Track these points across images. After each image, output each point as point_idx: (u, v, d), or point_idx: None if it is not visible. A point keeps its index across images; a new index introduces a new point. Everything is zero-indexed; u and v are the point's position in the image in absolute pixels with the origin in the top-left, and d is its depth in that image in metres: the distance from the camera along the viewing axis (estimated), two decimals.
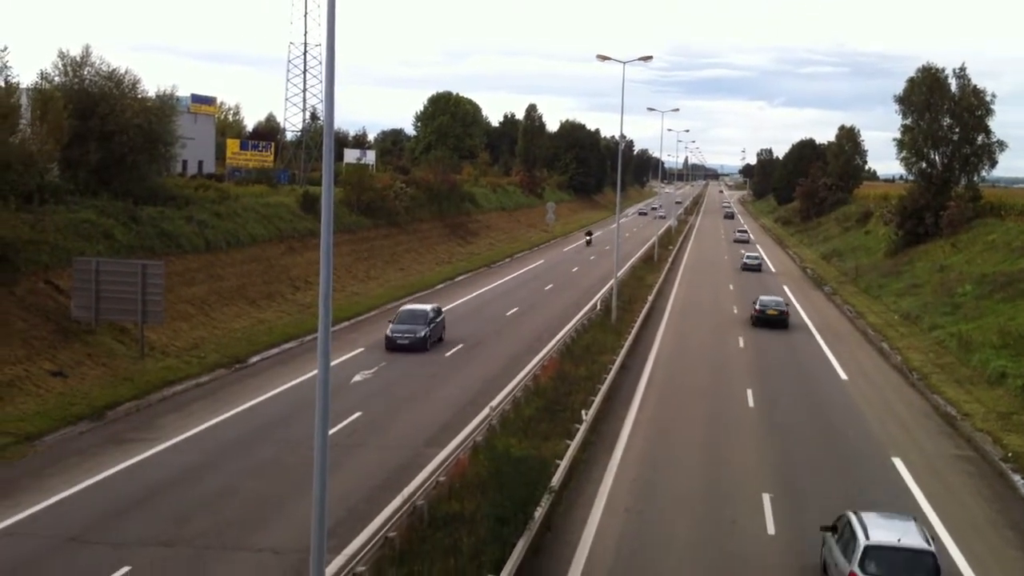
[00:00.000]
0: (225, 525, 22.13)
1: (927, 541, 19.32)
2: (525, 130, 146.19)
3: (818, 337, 50.98)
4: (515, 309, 55.26)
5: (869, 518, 20.04)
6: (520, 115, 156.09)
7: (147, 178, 48.21)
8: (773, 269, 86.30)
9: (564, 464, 25.45)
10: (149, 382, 34.26)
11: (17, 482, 24.42)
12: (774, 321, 52.81)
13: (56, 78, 46.14)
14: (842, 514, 20.74)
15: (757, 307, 53.86)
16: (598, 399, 32.88)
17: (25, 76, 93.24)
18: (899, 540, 19.02)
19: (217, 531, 21.76)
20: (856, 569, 18.46)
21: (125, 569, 19.53)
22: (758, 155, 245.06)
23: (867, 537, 18.94)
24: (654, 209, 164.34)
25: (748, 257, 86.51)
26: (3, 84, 42.30)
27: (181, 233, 47.35)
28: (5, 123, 39.96)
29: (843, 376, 41.54)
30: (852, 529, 19.47)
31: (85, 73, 46.64)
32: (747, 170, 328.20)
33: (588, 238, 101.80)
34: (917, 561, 18.70)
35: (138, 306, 35.91)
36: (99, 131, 45.35)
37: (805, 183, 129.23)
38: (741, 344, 47.72)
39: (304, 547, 17.33)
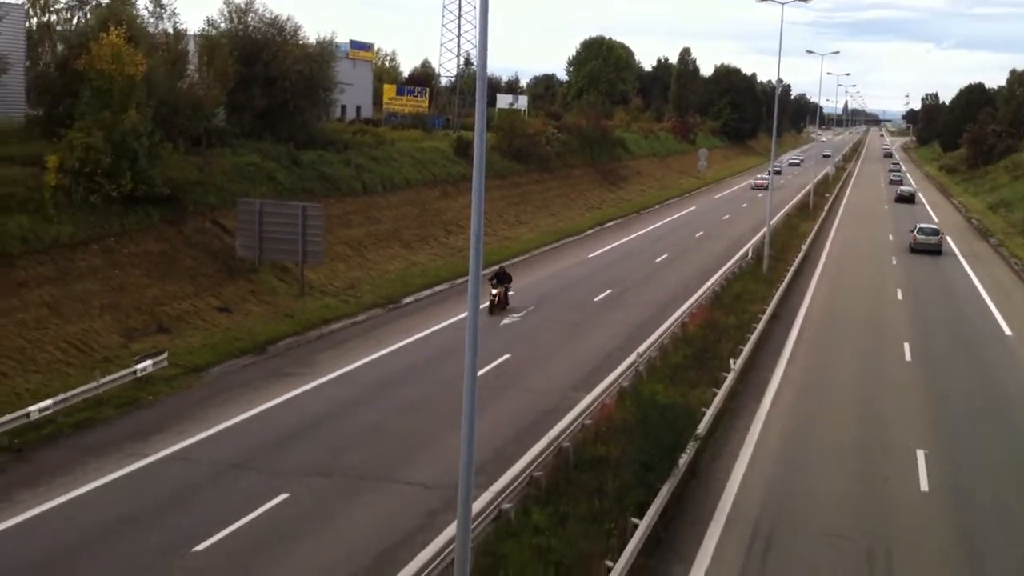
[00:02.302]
0: (377, 458, 22.95)
1: None
2: (678, 75, 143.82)
3: (982, 292, 48.95)
4: (664, 256, 54.88)
5: None
6: (674, 59, 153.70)
7: (308, 123, 49.62)
8: (936, 219, 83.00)
9: (711, 412, 25.36)
10: (308, 319, 35.61)
11: (185, 411, 25.84)
12: (929, 248, 61.22)
13: (222, 25, 47.83)
14: None
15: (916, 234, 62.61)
16: (747, 348, 32.51)
17: (192, 23, 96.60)
18: None
19: (370, 463, 22.59)
20: None
21: (284, 496, 20.52)
22: (923, 100, 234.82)
23: None
24: (794, 165, 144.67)
25: (901, 189, 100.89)
26: (171, 31, 44.15)
27: (340, 176, 48.69)
28: (174, 69, 41.76)
29: (1008, 333, 39.87)
30: None
31: (249, 20, 48.16)
32: (911, 116, 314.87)
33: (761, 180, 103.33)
34: None
35: (299, 246, 37.20)
36: (263, 77, 46.82)
37: (972, 129, 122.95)
38: (899, 296, 46.27)
39: (452, 483, 17.81)
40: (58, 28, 41.54)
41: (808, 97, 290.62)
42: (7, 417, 22.76)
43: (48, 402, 23.87)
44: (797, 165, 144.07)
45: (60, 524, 18.96)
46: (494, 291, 37.99)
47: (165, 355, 28.49)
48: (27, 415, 23.08)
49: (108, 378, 26.03)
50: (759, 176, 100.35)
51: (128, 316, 31.35)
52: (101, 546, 18.14)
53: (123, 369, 27.07)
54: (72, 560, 17.60)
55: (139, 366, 27.17)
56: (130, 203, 34.85)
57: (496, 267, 40.35)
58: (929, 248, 61.13)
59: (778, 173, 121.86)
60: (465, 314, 13.64)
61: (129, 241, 34.43)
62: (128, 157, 34.35)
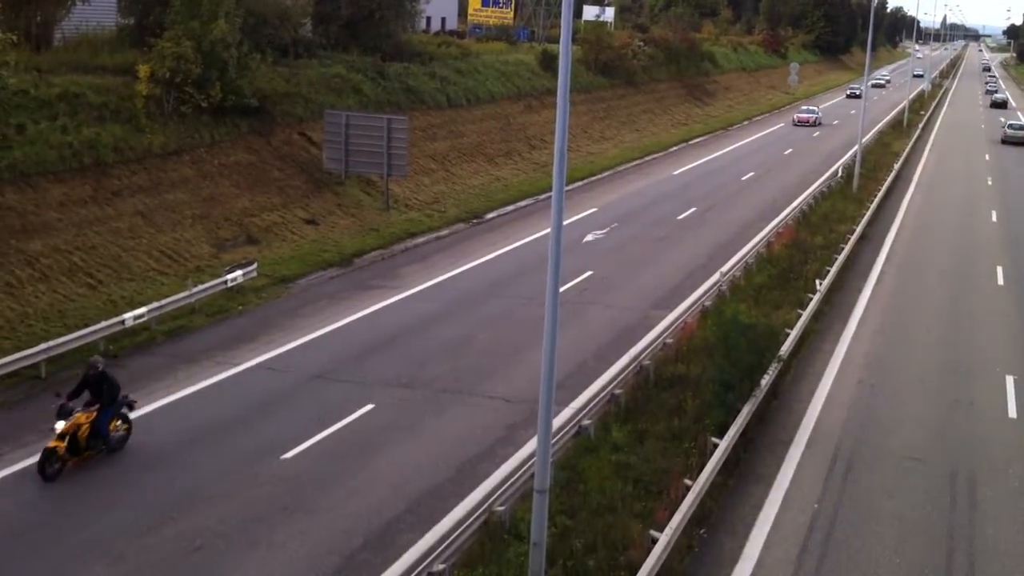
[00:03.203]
0: (460, 372, 23.29)
1: None
2: None
3: None
4: (751, 174, 53.98)
5: None
6: None
7: (393, 34, 49.49)
8: None
9: (795, 333, 25.13)
10: (393, 233, 35.96)
11: (273, 321, 26.44)
12: (1018, 141, 72.99)
13: None
14: None
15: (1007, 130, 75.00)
16: (834, 269, 32.02)
17: None
18: None
19: (453, 377, 22.94)
20: None
21: (369, 406, 20.99)
22: None
23: None
24: (878, 86, 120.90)
25: (996, 96, 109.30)
26: None
27: (424, 89, 48.60)
28: None
29: None
30: None
31: None
32: (1012, 31, 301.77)
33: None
34: None
35: (384, 159, 37.40)
36: None
37: None
38: (994, 218, 44.98)
39: (533, 398, 18.06)
40: None
41: (905, 11, 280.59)
42: (103, 324, 23.54)
43: (142, 310, 24.61)
44: (882, 87, 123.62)
45: (155, 429, 19.65)
46: (60, 426, 17.87)
47: (254, 265, 29.09)
48: (122, 322, 23.85)
49: (199, 287, 26.71)
50: (803, 108, 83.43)
51: (218, 226, 32.01)
52: (193, 453, 18.80)
53: (214, 279, 27.74)
54: (168, 462, 18.29)
55: (229, 276, 27.80)
56: (219, 114, 35.33)
57: (90, 372, 18.80)
58: (1018, 141, 73.89)
59: (880, 86, 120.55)
60: (547, 230, 13.64)
61: (219, 152, 34.99)
62: (217, 67, 34.72)
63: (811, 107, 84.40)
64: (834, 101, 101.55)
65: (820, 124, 77.15)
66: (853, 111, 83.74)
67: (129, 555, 15.37)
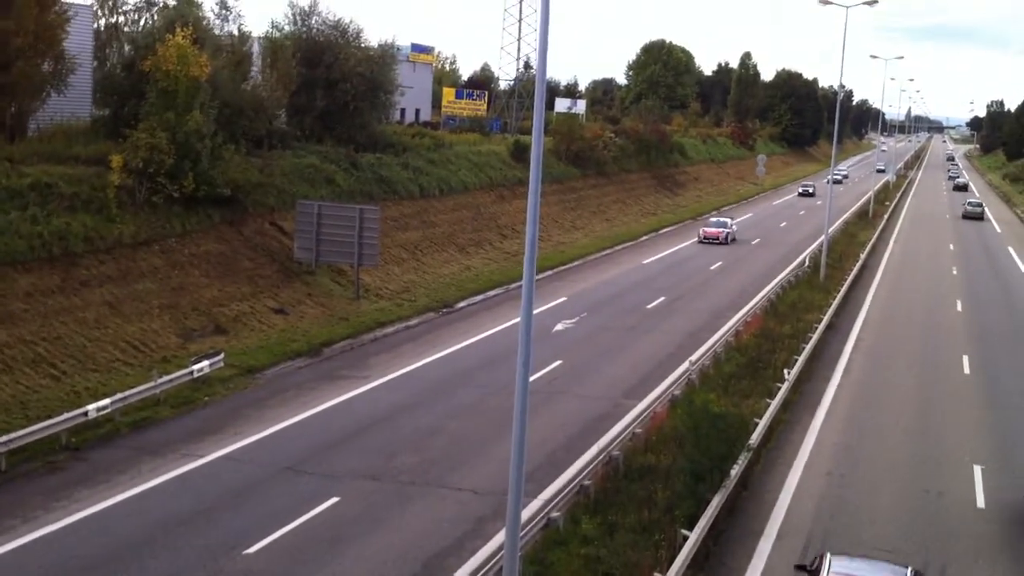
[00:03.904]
0: (428, 463, 23.08)
1: None
2: (739, 79, 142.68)
3: None
4: (720, 263, 54.51)
5: (842, 562, 16.49)
6: (734, 64, 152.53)
7: (368, 125, 50.05)
8: (999, 230, 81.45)
9: (764, 423, 25.14)
10: (363, 322, 35.90)
11: (240, 412, 26.19)
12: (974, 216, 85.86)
13: (285, 27, 48.45)
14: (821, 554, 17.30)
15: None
16: (802, 358, 32.18)
17: (257, 26, 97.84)
18: None
19: (421, 468, 22.72)
20: None
21: (335, 499, 20.71)
22: (988, 107, 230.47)
23: None
24: (836, 183, 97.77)
25: (957, 180, 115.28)
26: (236, 33, 44.79)
27: (397, 179, 49.04)
28: (238, 71, 42.33)
29: None
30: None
31: (312, 23, 48.76)
32: (975, 123, 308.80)
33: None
34: None
35: (355, 249, 37.49)
36: (325, 79, 47.33)
37: None
38: (959, 308, 45.51)
39: (502, 489, 17.90)
40: (125, 29, 42.39)
41: (870, 103, 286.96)
42: (66, 415, 23.20)
43: (106, 401, 24.32)
44: (839, 183, 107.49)
45: (116, 522, 19.30)
46: None
47: (222, 356, 28.90)
48: (85, 414, 23.53)
49: (165, 378, 26.47)
50: (713, 221, 66.67)
51: (186, 316, 31.85)
52: (155, 545, 18.42)
53: (180, 369, 27.51)
54: (126, 559, 17.90)
55: (196, 366, 27.59)
56: (191, 204, 35.41)
57: None
58: (976, 216, 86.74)
59: (838, 182, 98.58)
60: (517, 319, 13.67)
61: (189, 241, 34.99)
62: (191, 158, 34.91)
63: (722, 219, 66.09)
64: (778, 202, 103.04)
65: (733, 241, 62.04)
66: (803, 211, 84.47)
67: None
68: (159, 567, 17.62)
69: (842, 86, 64.39)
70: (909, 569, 16.34)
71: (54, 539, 18.44)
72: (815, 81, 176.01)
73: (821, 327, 37.27)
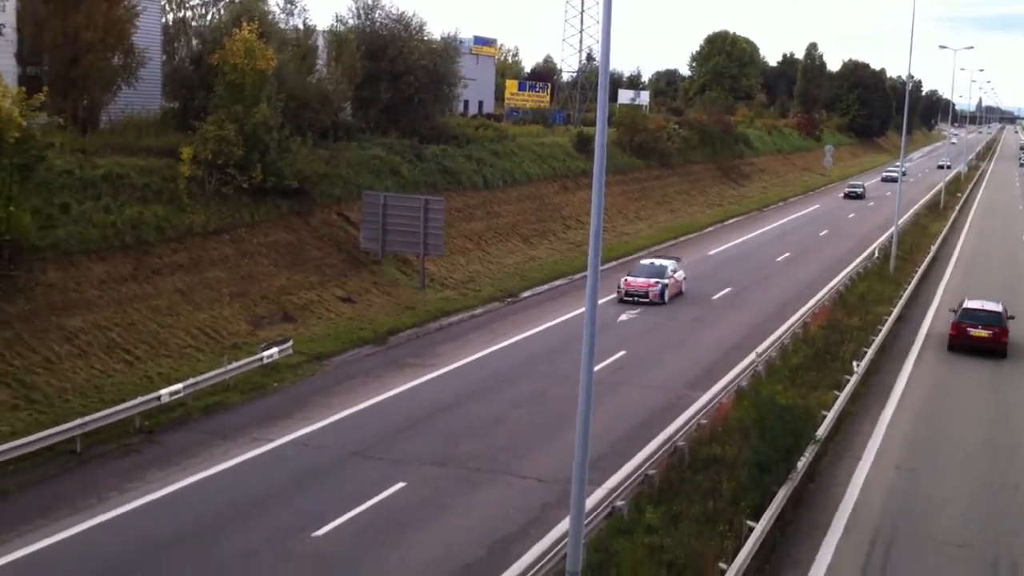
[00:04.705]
0: (493, 450, 23.20)
1: None
2: (804, 70, 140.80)
3: None
4: (786, 254, 53.93)
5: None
6: (800, 54, 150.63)
7: (431, 117, 50.32)
8: None
9: (832, 415, 24.86)
10: (428, 311, 36.16)
11: (308, 398, 26.55)
12: None
13: (350, 21, 48.90)
14: None
15: None
16: (871, 351, 31.74)
17: (321, 20, 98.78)
18: None
19: (486, 455, 22.85)
20: None
21: (401, 484, 20.92)
22: None
23: None
24: (889, 180, 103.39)
25: None
26: (301, 27, 45.30)
27: (461, 170, 49.26)
28: (303, 64, 42.80)
29: None
30: None
31: (376, 16, 49.10)
32: None
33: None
34: None
35: (420, 239, 37.74)
36: (389, 72, 47.64)
37: None
38: None
39: (566, 477, 17.94)
40: (193, 24, 43.10)
41: (940, 93, 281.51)
42: (139, 400, 23.75)
43: (178, 386, 24.81)
44: (893, 180, 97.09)
45: (188, 504, 19.71)
46: None
47: (290, 343, 29.31)
48: (158, 398, 24.04)
49: (236, 364, 26.91)
50: (641, 266, 42.74)
51: (255, 304, 32.35)
52: (226, 526, 18.80)
53: (250, 356, 27.95)
54: (199, 539, 18.27)
55: (265, 353, 28.01)
56: (260, 194, 35.94)
57: None
58: None
59: (894, 180, 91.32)
60: (582, 309, 13.70)
61: (258, 231, 35.51)
62: (259, 150, 35.42)
63: (660, 262, 42.48)
64: (872, 182, 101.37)
65: (677, 296, 40.68)
66: (871, 203, 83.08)
67: None
68: (231, 547, 17.96)
69: (911, 76, 63.35)
70: None
71: (128, 519, 18.88)
72: (883, 71, 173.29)
73: (891, 319, 36.72)
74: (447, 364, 30.08)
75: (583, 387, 13.17)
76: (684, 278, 41.68)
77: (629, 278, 39.98)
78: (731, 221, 68.69)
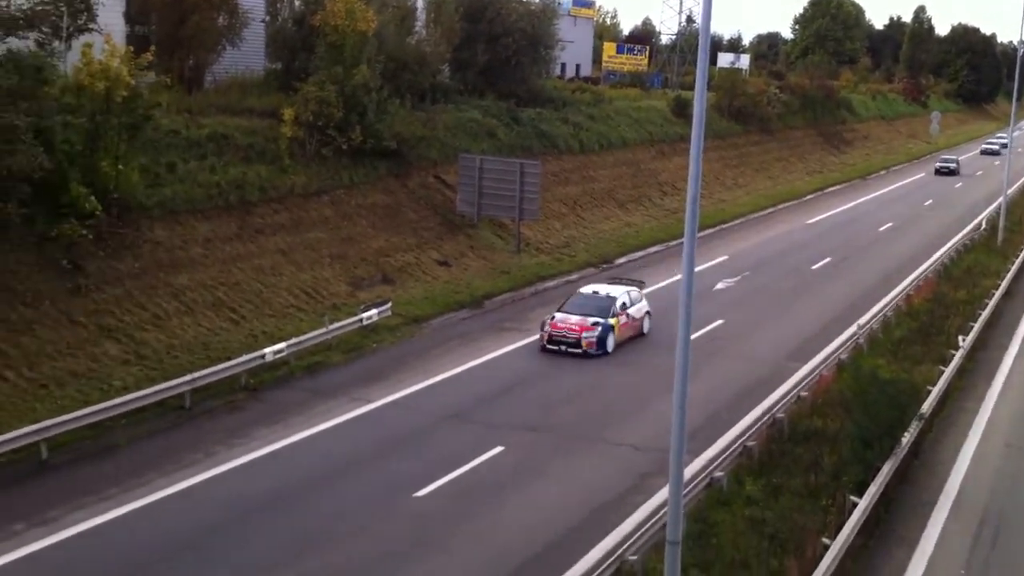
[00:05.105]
0: (589, 417, 23.17)
1: None
2: (912, 34, 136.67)
3: None
4: (889, 224, 52.59)
5: None
6: (907, 18, 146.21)
7: (528, 80, 50.11)
8: None
9: (937, 390, 24.25)
10: (524, 276, 36.19)
11: (406, 360, 26.81)
12: None
13: None
14: None
15: None
16: (978, 325, 30.83)
17: None
18: None
19: (581, 422, 22.84)
20: None
21: (499, 448, 21.03)
22: None
23: None
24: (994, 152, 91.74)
25: None
26: None
27: (557, 134, 49.00)
28: (402, 26, 42.90)
29: None
30: None
31: None
32: None
33: None
34: None
35: (516, 203, 37.71)
36: (486, 34, 47.49)
37: None
38: None
39: (662, 447, 17.81)
40: None
41: None
42: (244, 357, 24.26)
43: (281, 345, 25.26)
44: (994, 153, 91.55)
45: (292, 461, 20.12)
46: None
47: (389, 305, 29.61)
48: (262, 356, 24.51)
49: (336, 325, 27.30)
50: (580, 295, 30.17)
51: (355, 266, 32.72)
52: (329, 484, 19.13)
53: (350, 317, 28.32)
54: (302, 496, 18.64)
55: (365, 315, 28.35)
56: (358, 156, 36.24)
57: None
58: None
59: (995, 153, 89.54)
60: (679, 276, 13.52)
61: (357, 193, 35.85)
62: (358, 111, 35.67)
63: (607, 290, 30.27)
64: (978, 151, 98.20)
65: (641, 334, 30.04)
66: (979, 172, 79.93)
67: None
68: (335, 504, 18.29)
69: (1023, 41, 60.80)
70: None
71: (234, 474, 19.35)
72: (993, 36, 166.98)
73: (999, 293, 35.60)
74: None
75: (679, 355, 13.00)
76: (647, 312, 29.90)
77: (558, 316, 28.20)
78: (832, 189, 67.19)
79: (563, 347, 27.32)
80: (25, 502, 17.91)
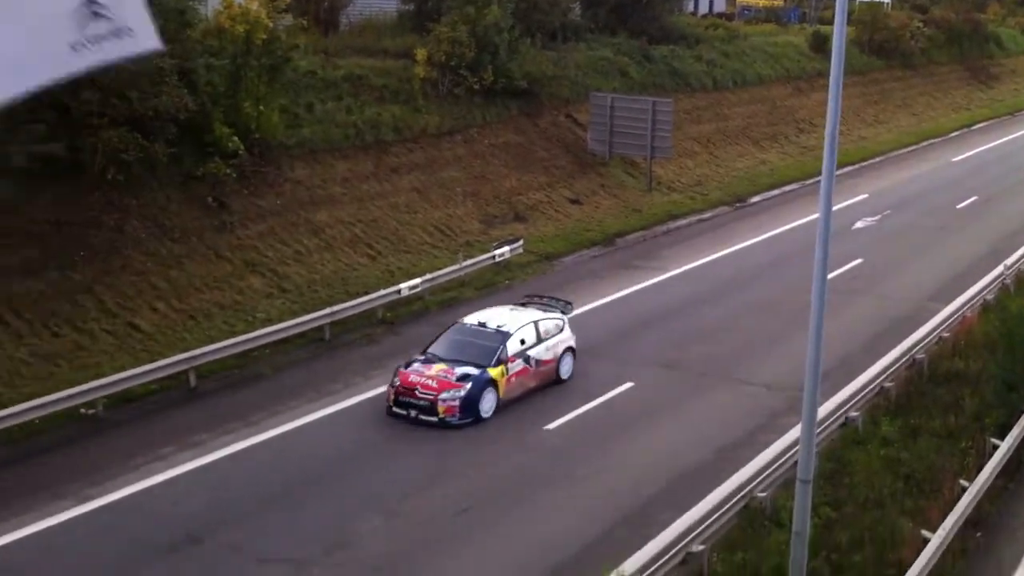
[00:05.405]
0: (720, 356, 23.07)
1: None
2: None
3: None
4: None
5: None
6: None
7: (661, 17, 49.28)
8: None
9: None
10: (655, 214, 35.96)
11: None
12: None
13: None
14: None
15: None
16: None
17: None
18: None
19: (712, 360, 22.76)
20: None
21: (629, 384, 21.17)
22: None
23: None
24: None
25: None
26: None
27: (690, 72, 48.16)
28: None
29: None
30: None
31: None
32: None
33: None
34: None
35: (648, 141, 37.38)
36: None
37: None
38: None
39: (794, 385, 17.70)
40: None
41: None
42: (381, 292, 24.91)
43: (416, 280, 25.83)
44: None
45: None
46: None
47: (521, 242, 29.88)
48: (398, 291, 25.13)
49: (469, 261, 27.72)
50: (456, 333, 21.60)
51: (487, 204, 33.05)
52: None
53: (483, 254, 28.70)
54: (435, 432, 19.14)
55: (497, 252, 28.70)
56: (490, 96, 36.39)
57: None
58: None
59: None
60: (815, 215, 13.29)
61: (489, 132, 36.07)
62: (489, 51, 35.76)
63: (492, 324, 20.92)
64: None
65: (529, 392, 21.24)
66: None
67: (401, 512, 16.25)
68: (466, 434, 18.78)
69: None
70: None
71: (372, 403, 19.97)
72: None
73: None
74: (674, 268, 29.93)
75: (816, 292, 12.85)
76: (569, 348, 21.51)
77: (415, 365, 19.99)
78: (978, 126, 64.38)
79: (412, 412, 19.14)
80: (175, 427, 18.90)
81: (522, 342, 20.37)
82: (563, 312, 22.32)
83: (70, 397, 18.72)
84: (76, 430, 18.66)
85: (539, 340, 20.76)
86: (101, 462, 17.37)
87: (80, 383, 19.21)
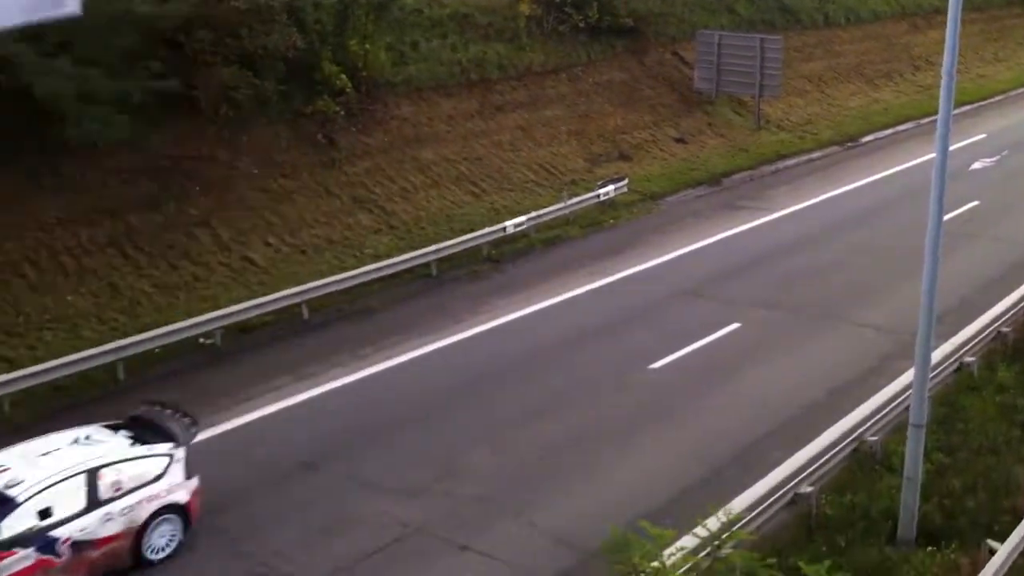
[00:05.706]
0: (828, 297, 22.69)
1: None
2: None
3: None
4: None
5: None
6: None
7: None
8: None
9: None
10: (763, 154, 35.29)
11: (642, 235, 26.95)
12: None
13: None
14: None
15: None
16: None
17: None
18: None
19: (819, 301, 22.39)
20: None
21: (736, 325, 20.98)
22: None
23: None
24: None
25: None
26: None
27: (801, 8, 46.76)
28: None
29: None
30: None
31: None
32: None
33: None
34: None
35: (756, 79, 36.57)
36: None
37: None
38: None
39: (906, 329, 17.30)
40: None
41: None
42: (487, 230, 25.08)
43: (522, 218, 25.91)
44: None
45: (531, 329, 20.82)
46: None
47: (625, 181, 29.67)
48: (503, 229, 25.26)
49: (574, 200, 27.66)
50: None
51: (592, 142, 32.83)
52: (570, 352, 19.72)
53: (587, 192, 28.60)
54: (544, 362, 19.33)
55: (602, 190, 28.56)
56: (595, 33, 35.94)
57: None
58: None
59: None
60: (931, 155, 12.90)
61: (593, 70, 35.68)
62: None
63: None
64: None
65: None
66: None
67: (508, 445, 16.49)
68: (572, 372, 18.90)
69: None
70: None
71: (479, 340, 20.29)
72: None
73: None
74: (782, 208, 29.41)
75: (931, 235, 12.51)
76: (170, 506, 13.53)
77: None
78: None
79: None
80: (289, 358, 19.41)
81: (44, 514, 12.48)
82: (177, 441, 13.90)
83: (189, 327, 19.35)
84: (194, 360, 19.30)
85: (93, 504, 12.88)
86: (218, 391, 17.97)
87: (197, 314, 19.85)
